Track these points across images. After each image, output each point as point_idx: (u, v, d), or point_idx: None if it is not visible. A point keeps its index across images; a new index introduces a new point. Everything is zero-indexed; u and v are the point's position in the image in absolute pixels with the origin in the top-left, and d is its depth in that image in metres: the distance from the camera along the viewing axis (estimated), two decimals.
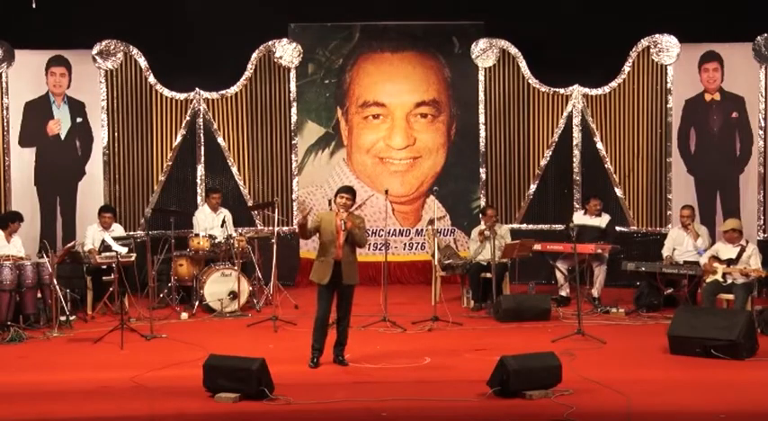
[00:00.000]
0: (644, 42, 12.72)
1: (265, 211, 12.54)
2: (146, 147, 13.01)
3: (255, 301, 11.37)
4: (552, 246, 11.60)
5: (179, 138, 13.10)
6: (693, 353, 8.69)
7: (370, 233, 13.32)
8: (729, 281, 10.02)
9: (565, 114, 13.14)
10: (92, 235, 11.46)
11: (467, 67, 13.22)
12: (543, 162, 13.22)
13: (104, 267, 10.98)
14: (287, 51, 13.19)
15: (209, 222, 11.95)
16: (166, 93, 13.00)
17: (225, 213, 12.10)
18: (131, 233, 12.40)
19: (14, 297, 10.21)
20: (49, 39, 12.21)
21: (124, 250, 10.91)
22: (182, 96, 13.08)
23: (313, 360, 8.55)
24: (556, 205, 13.20)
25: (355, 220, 8.68)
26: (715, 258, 10.21)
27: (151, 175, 13.05)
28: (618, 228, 12.64)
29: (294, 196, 13.36)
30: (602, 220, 11.87)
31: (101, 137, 12.75)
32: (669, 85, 12.64)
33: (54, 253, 10.59)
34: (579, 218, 11.94)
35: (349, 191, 8.77)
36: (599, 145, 13.04)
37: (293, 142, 13.34)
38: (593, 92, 13.07)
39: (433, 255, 11.24)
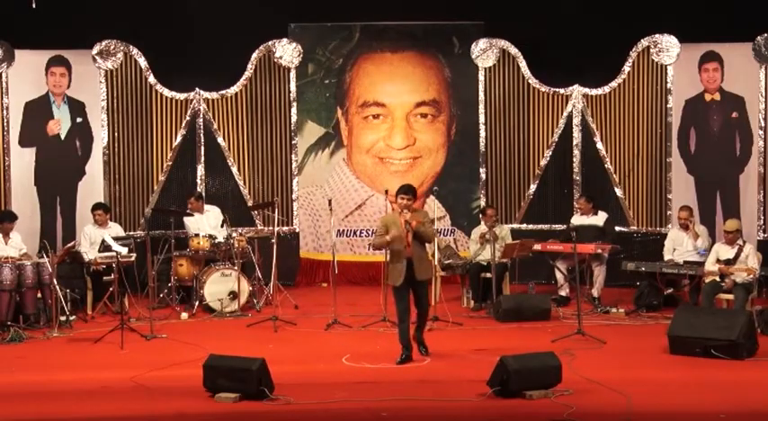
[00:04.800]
0: (644, 42, 12.72)
1: (265, 211, 12.54)
2: (146, 147, 13.01)
3: (255, 301, 11.37)
4: (552, 246, 11.60)
5: (179, 138, 13.11)
6: (693, 353, 8.69)
7: (370, 233, 13.33)
8: (728, 281, 10.01)
9: (565, 114, 13.14)
10: (89, 235, 11.47)
11: (467, 67, 13.22)
12: (543, 162, 13.22)
13: (104, 267, 10.99)
14: (287, 51, 13.19)
15: (199, 223, 11.94)
16: (166, 93, 13.00)
17: (214, 211, 12.12)
18: (131, 233, 12.41)
19: (14, 297, 10.21)
20: (49, 39, 12.21)
21: (124, 250, 10.91)
22: (182, 96, 13.08)
23: (401, 357, 8.62)
24: (556, 205, 13.20)
25: (419, 217, 8.71)
26: (717, 260, 10.21)
27: (151, 175, 13.05)
28: (618, 228, 12.66)
29: (294, 196, 13.36)
30: (600, 219, 11.88)
31: (101, 137, 12.75)
32: (669, 85, 12.64)
33: (54, 253, 10.59)
34: (577, 219, 11.96)
35: (409, 191, 8.73)
36: (599, 145, 13.04)
37: (293, 142, 13.34)
38: (593, 92, 13.06)
39: (433, 255, 11.23)
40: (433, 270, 8.96)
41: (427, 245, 9.11)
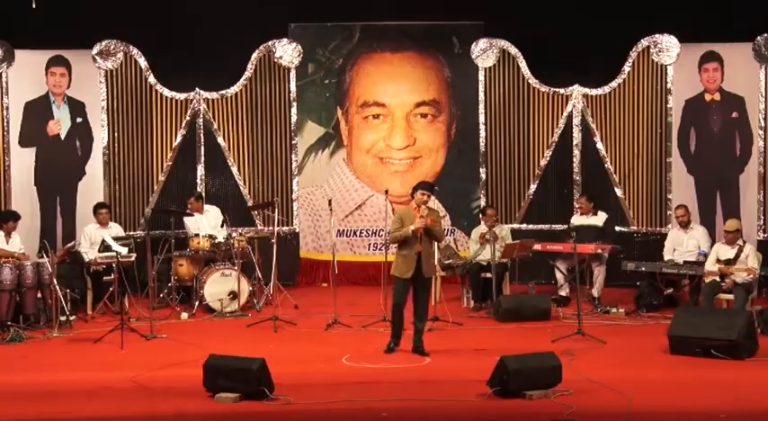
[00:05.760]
0: (644, 42, 12.72)
1: (265, 211, 12.54)
2: (146, 147, 13.01)
3: (255, 301, 11.37)
4: (552, 246, 11.60)
5: (179, 138, 13.11)
6: (693, 353, 8.70)
7: (370, 233, 13.34)
8: (728, 281, 10.01)
9: (565, 114, 13.14)
10: (89, 235, 11.47)
11: (467, 67, 13.22)
12: (543, 162, 13.22)
13: (104, 267, 10.99)
14: (287, 51, 13.19)
15: (199, 223, 11.93)
16: (166, 93, 13.00)
17: (214, 212, 12.12)
18: (131, 233, 12.41)
19: (14, 297, 10.21)
20: (49, 39, 12.20)
21: (124, 250, 10.92)
22: (182, 96, 13.08)
23: (388, 345, 8.98)
24: (556, 205, 13.20)
25: (433, 215, 8.94)
26: (717, 260, 10.21)
27: (151, 175, 13.05)
28: (618, 228, 12.67)
29: (294, 196, 13.36)
30: (599, 219, 11.88)
31: (101, 137, 12.75)
32: (669, 85, 12.64)
33: (54, 253, 10.59)
34: (577, 219, 11.98)
35: (428, 187, 9.02)
36: (599, 145, 13.04)
37: (293, 142, 13.34)
38: (593, 92, 13.06)
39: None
40: (434, 266, 9.09)
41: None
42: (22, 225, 11.16)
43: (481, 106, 13.25)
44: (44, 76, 12.45)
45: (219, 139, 13.17)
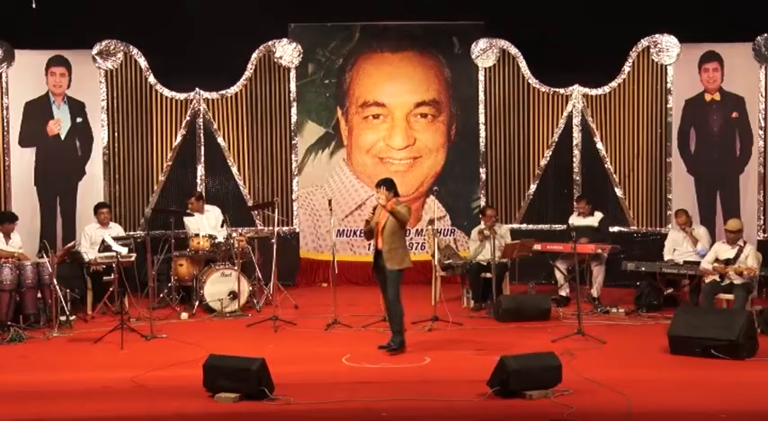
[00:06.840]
0: (644, 42, 12.73)
1: (265, 211, 12.54)
2: (146, 147, 13.02)
3: (255, 301, 11.38)
4: (552, 246, 11.60)
5: (179, 138, 13.11)
6: (693, 353, 8.69)
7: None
8: (727, 281, 10.02)
9: (565, 114, 13.15)
10: (90, 235, 11.47)
11: (467, 67, 13.23)
12: (543, 162, 13.23)
13: (104, 267, 10.99)
14: (287, 51, 13.20)
15: (199, 223, 11.93)
16: (166, 93, 13.01)
17: (214, 212, 12.12)
18: (131, 233, 12.42)
19: (14, 297, 10.21)
20: (49, 39, 12.22)
21: (124, 250, 10.92)
22: (182, 96, 13.09)
23: (387, 343, 9.14)
24: (556, 205, 13.20)
25: (396, 207, 9.05)
26: (716, 260, 10.21)
27: (151, 175, 13.06)
28: (618, 229, 12.69)
29: (294, 196, 13.36)
30: (595, 219, 11.90)
31: (101, 137, 12.76)
32: (669, 85, 12.64)
33: (54, 253, 10.58)
34: (574, 219, 11.99)
35: (383, 183, 9.14)
36: (599, 145, 13.05)
37: (293, 142, 13.35)
38: (593, 92, 13.07)
39: (432, 255, 11.23)
40: (404, 261, 9.04)
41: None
42: (22, 225, 11.17)
43: (481, 106, 13.25)
44: (44, 76, 12.46)
45: (219, 139, 13.17)
